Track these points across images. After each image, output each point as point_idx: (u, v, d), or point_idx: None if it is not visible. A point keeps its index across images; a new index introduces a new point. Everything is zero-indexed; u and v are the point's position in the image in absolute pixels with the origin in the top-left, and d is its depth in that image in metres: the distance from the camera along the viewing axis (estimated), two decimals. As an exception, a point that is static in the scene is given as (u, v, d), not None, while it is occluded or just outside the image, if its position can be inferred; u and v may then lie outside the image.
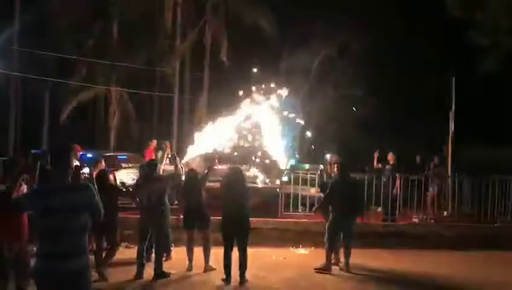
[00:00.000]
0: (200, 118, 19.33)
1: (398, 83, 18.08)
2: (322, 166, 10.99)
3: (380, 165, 11.49)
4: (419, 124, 18.73)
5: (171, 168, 8.53)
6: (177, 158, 8.10)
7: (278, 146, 10.80)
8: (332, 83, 19.89)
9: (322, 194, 7.92)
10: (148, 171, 7.01)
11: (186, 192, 7.16)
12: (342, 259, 7.39)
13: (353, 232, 7.24)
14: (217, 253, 6.92)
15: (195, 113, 20.74)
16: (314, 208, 7.51)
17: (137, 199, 6.95)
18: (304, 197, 10.41)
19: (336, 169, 7.71)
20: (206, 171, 7.31)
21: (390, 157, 11.13)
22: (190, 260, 7.12)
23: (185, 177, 7.39)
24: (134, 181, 7.61)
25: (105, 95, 20.42)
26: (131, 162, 12.43)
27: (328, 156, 11.16)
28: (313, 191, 10.84)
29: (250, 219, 6.68)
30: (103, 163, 7.09)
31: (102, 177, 6.71)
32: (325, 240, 7.21)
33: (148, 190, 6.73)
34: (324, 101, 19.52)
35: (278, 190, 10.31)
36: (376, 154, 11.65)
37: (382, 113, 18.61)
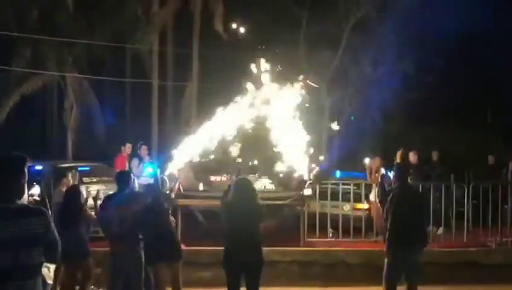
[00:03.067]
0: (189, 112, 19.36)
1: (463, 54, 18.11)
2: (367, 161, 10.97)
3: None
4: (492, 113, 18.80)
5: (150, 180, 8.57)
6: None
7: (298, 148, 10.79)
8: (370, 57, 19.84)
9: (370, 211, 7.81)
10: (121, 187, 7.00)
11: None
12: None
13: (419, 267, 7.03)
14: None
15: (182, 105, 20.79)
16: (385, 236, 7.26)
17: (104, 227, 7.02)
18: (334, 218, 10.44)
19: (380, 174, 7.60)
20: (168, 192, 7.46)
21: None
22: None
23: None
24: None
25: (58, 84, 20.52)
26: (96, 174, 12.46)
27: (367, 160, 11.15)
28: (347, 208, 11.00)
29: (263, 248, 6.62)
30: (70, 178, 7.20)
31: (75, 195, 6.76)
32: (384, 276, 7.02)
33: (121, 216, 6.69)
34: (359, 83, 19.49)
35: (299, 208, 10.30)
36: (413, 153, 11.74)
37: (439, 97, 18.60)
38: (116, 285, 6.67)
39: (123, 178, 7.08)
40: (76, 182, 8.21)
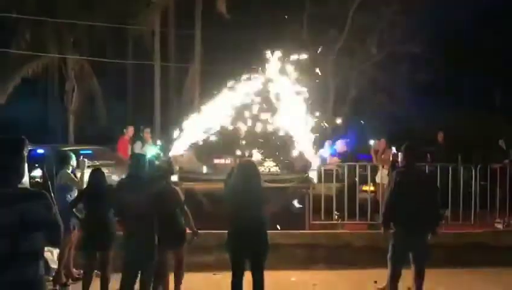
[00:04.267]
0: (192, 94, 19.32)
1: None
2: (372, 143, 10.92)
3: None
4: (502, 95, 18.75)
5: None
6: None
7: (303, 129, 10.75)
8: (376, 37, 19.71)
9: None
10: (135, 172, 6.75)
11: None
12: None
13: (428, 251, 7.02)
14: (221, 281, 6.92)
15: (185, 87, 20.74)
16: (381, 222, 7.26)
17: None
18: (339, 201, 10.41)
19: (390, 158, 7.54)
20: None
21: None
22: None
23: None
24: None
25: (59, 66, 20.48)
26: (99, 158, 12.41)
27: (372, 142, 11.09)
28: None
29: (268, 231, 6.63)
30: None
31: (100, 179, 6.89)
32: (388, 259, 7.02)
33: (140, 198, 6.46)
34: (365, 64, 19.41)
35: (304, 190, 10.29)
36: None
37: (447, 78, 18.52)
38: (131, 268, 6.54)
39: (138, 162, 6.86)
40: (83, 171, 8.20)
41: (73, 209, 7.51)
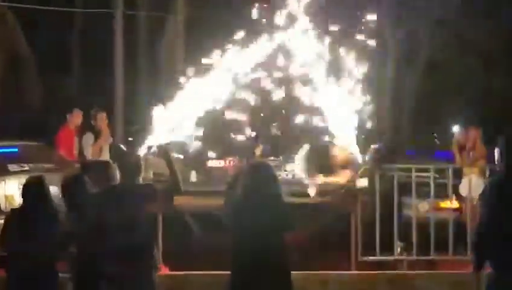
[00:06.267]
0: (172, 59, 19.38)
1: None
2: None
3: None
4: None
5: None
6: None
7: (345, 116, 10.73)
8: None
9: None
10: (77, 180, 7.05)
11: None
12: None
13: None
14: None
15: (162, 48, 20.78)
16: (471, 258, 7.18)
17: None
18: (405, 222, 10.43)
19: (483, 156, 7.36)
20: None
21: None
22: None
23: None
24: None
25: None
26: (29, 160, 12.42)
27: (457, 130, 10.99)
28: (425, 208, 11.06)
29: (293, 272, 6.67)
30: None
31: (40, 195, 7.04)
32: None
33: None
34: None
35: (348, 208, 10.26)
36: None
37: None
38: None
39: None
40: None
41: None
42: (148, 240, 6.79)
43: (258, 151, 10.21)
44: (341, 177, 10.62)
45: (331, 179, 10.73)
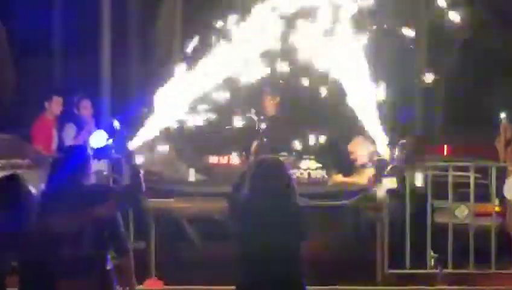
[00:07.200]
0: (169, 34, 19.50)
1: None
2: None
3: None
4: None
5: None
6: None
7: (368, 104, 10.91)
8: None
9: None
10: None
11: None
12: None
13: None
14: None
15: (156, 20, 20.93)
16: None
17: None
18: (442, 231, 10.61)
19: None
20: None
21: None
22: None
23: None
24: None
25: None
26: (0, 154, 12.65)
27: (504, 118, 11.22)
28: (463, 214, 11.26)
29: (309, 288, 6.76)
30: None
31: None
32: None
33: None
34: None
35: (373, 213, 10.50)
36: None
37: None
38: None
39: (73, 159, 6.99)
40: None
41: None
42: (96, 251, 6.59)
43: (261, 147, 10.31)
44: (361, 177, 10.96)
45: (349, 179, 11.07)
